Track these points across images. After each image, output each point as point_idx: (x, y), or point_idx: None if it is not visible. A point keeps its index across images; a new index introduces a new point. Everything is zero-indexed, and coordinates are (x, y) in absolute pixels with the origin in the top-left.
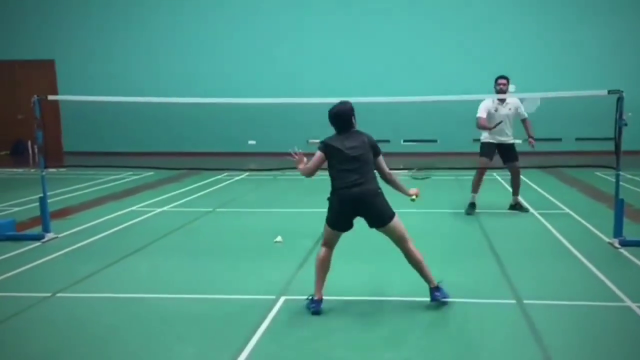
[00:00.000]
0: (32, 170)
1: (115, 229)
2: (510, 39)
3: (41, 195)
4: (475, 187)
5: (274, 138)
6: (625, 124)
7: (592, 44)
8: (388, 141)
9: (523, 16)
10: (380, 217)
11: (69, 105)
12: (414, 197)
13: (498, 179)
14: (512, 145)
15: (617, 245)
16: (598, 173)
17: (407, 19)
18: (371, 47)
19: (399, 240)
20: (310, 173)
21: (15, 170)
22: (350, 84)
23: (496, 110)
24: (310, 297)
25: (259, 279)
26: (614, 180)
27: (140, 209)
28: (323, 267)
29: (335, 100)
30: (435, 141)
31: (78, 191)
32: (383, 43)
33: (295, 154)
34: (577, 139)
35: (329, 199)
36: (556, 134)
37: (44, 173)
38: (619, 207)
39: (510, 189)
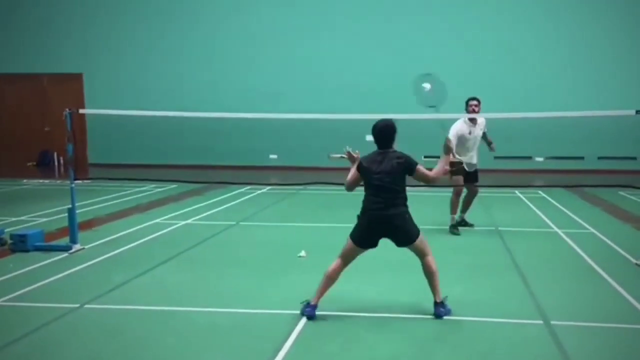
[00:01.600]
0: (59, 181)
1: (141, 240)
2: (523, 58)
3: (70, 206)
4: (455, 209)
5: (295, 152)
6: None
7: (612, 60)
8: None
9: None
10: (406, 238)
11: (95, 118)
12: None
13: (521, 197)
14: (476, 168)
15: None
16: (622, 192)
17: (433, 38)
18: (397, 61)
19: (421, 255)
20: (348, 186)
21: (41, 181)
22: (372, 99)
23: (470, 132)
24: (306, 301)
25: (284, 293)
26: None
27: (165, 221)
28: (331, 277)
29: (358, 116)
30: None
31: (104, 203)
32: (407, 57)
33: (349, 153)
34: (599, 158)
35: (358, 216)
36: (578, 152)
37: (73, 185)
38: None
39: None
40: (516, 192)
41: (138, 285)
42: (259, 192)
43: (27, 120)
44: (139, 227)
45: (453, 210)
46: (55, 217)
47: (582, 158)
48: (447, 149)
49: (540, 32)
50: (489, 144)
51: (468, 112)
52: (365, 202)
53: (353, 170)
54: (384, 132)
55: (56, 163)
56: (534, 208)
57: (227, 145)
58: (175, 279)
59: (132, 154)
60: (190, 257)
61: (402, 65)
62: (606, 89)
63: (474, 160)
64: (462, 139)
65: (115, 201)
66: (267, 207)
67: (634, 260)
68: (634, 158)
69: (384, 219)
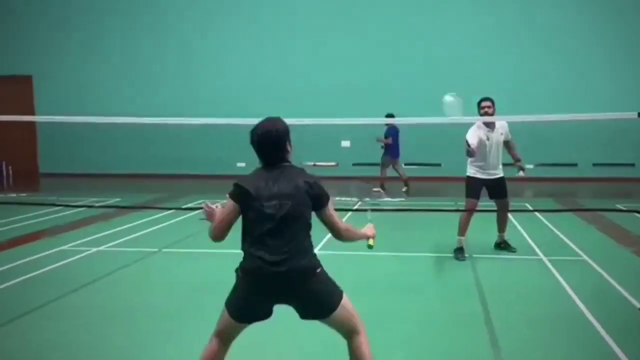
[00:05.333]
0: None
1: (23, 277)
2: (516, 60)
3: None
4: (463, 230)
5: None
6: None
7: (605, 62)
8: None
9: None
10: (318, 307)
11: (47, 124)
12: (370, 242)
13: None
14: (502, 179)
15: None
16: (620, 205)
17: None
18: (369, 65)
19: (348, 331)
20: (218, 234)
21: None
22: (345, 104)
23: (488, 138)
24: None
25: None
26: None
27: (73, 247)
28: None
29: (328, 121)
30: (439, 165)
31: (17, 223)
32: (381, 62)
33: (207, 205)
34: (594, 165)
35: (236, 270)
36: (571, 158)
37: None
38: None
39: (497, 225)
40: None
41: None
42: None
43: None
44: (36, 256)
45: (461, 232)
46: None
47: (575, 165)
48: (470, 154)
49: (532, 34)
50: (516, 160)
51: (480, 115)
52: (246, 250)
53: (226, 207)
54: (272, 136)
55: (4, 173)
56: (519, 226)
57: (189, 153)
58: (30, 338)
59: (86, 162)
60: (70, 303)
61: (380, 66)
62: (599, 91)
63: (497, 169)
64: (481, 146)
65: (31, 221)
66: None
67: (636, 304)
68: (632, 164)
69: (280, 276)
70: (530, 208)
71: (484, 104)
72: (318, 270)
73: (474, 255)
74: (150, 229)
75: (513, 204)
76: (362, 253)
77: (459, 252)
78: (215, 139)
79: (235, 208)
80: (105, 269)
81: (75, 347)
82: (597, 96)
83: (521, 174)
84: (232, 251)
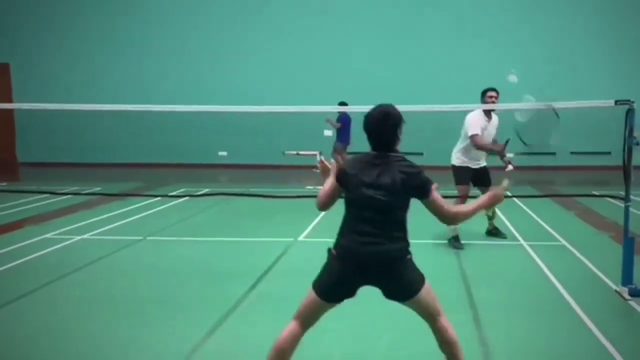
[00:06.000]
0: None
1: (7, 265)
2: (504, 46)
3: None
4: None
5: (247, 149)
6: (637, 143)
7: (591, 48)
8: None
9: (517, 22)
10: (404, 290)
11: (25, 113)
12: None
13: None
14: (486, 168)
15: (626, 296)
16: (597, 192)
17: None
18: (357, 53)
19: (429, 315)
20: (321, 203)
21: None
22: (332, 91)
23: (485, 128)
24: None
25: (153, 347)
26: (618, 204)
27: (57, 236)
28: (285, 354)
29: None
30: (421, 154)
31: (6, 210)
32: (364, 49)
33: (322, 161)
34: (572, 153)
35: (329, 250)
36: (549, 147)
37: None
38: (628, 248)
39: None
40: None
41: None
42: (196, 194)
43: None
44: (19, 244)
45: None
46: None
47: (553, 154)
48: (500, 154)
49: (508, 20)
50: (502, 156)
51: (486, 103)
52: (343, 230)
53: (331, 180)
54: (385, 123)
55: None
56: (499, 213)
57: (172, 142)
58: (15, 324)
59: (66, 151)
60: (54, 291)
61: (358, 58)
62: (579, 79)
63: (481, 159)
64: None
65: (14, 209)
66: (195, 214)
67: (614, 287)
68: (609, 153)
69: (371, 258)
70: (509, 194)
71: (490, 93)
72: (407, 257)
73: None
74: (134, 217)
75: (491, 189)
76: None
77: (456, 240)
78: (198, 128)
79: (337, 187)
80: (90, 256)
81: (59, 334)
82: (576, 85)
83: (510, 167)
84: (215, 239)
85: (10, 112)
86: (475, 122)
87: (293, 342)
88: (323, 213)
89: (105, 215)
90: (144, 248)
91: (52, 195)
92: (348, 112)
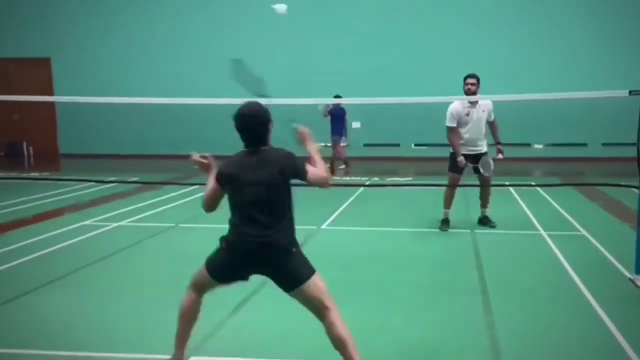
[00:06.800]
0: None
1: (50, 249)
2: (517, 36)
3: None
4: (447, 203)
5: (277, 140)
6: None
7: (617, 40)
8: (398, 145)
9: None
10: (287, 279)
11: (66, 105)
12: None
13: (511, 191)
14: (485, 155)
15: (639, 283)
16: (624, 183)
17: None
18: (379, 50)
19: (317, 307)
20: (208, 205)
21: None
22: (349, 82)
23: (468, 114)
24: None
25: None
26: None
27: (95, 222)
28: (192, 317)
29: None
30: (397, 145)
31: (41, 200)
32: (388, 46)
33: (203, 156)
34: (603, 144)
35: (221, 240)
36: (581, 138)
37: None
38: None
39: (480, 201)
40: (507, 183)
41: (1, 316)
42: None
43: None
44: (60, 230)
45: (446, 205)
46: None
47: (585, 145)
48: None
49: (540, 11)
50: (497, 142)
51: (464, 91)
52: (233, 226)
53: (211, 181)
54: (255, 120)
55: (26, 154)
56: (522, 204)
57: (205, 134)
58: (52, 305)
59: (106, 143)
60: (90, 274)
61: (394, 50)
62: (611, 70)
63: (479, 145)
64: (461, 122)
65: (54, 198)
66: (225, 203)
67: (627, 274)
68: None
69: (260, 251)
70: (537, 187)
71: (468, 80)
72: (294, 249)
73: (475, 231)
74: (168, 206)
75: (519, 181)
76: (369, 228)
77: (444, 223)
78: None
79: (219, 189)
80: (125, 242)
81: (92, 318)
82: (611, 75)
83: (500, 156)
84: None
85: (51, 105)
86: (450, 113)
87: (195, 306)
88: (347, 203)
89: (141, 204)
90: (176, 235)
91: (90, 185)
92: (343, 105)
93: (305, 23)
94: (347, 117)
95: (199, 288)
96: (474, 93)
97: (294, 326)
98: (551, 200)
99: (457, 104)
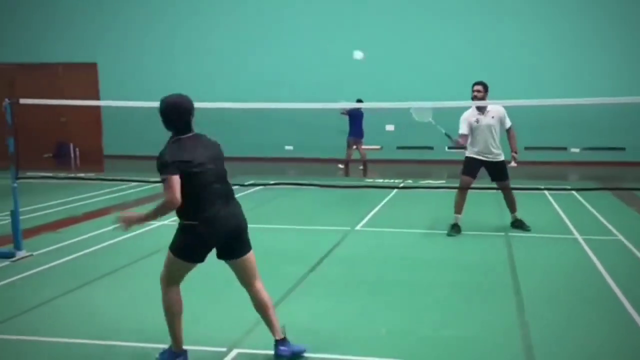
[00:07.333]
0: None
1: (98, 246)
2: (555, 41)
3: (12, 209)
4: (458, 208)
5: (311, 144)
6: None
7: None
8: (431, 148)
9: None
10: (246, 246)
11: (111, 108)
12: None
13: (546, 195)
14: (501, 163)
15: None
16: None
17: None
18: (413, 55)
19: (252, 277)
20: (177, 200)
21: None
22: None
23: (477, 121)
24: (168, 349)
25: (219, 322)
26: None
27: None
28: (181, 309)
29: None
30: (431, 148)
31: (88, 200)
32: (397, 46)
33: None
34: None
35: (184, 227)
36: (619, 142)
37: (15, 184)
38: None
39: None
40: (542, 187)
41: (57, 308)
42: (258, 188)
43: (43, 111)
44: (106, 229)
45: (457, 209)
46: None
47: (623, 149)
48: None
49: (574, 14)
50: (512, 150)
51: (471, 98)
52: (201, 209)
53: (174, 179)
54: (183, 108)
55: (72, 155)
56: (557, 208)
57: (241, 137)
58: (103, 298)
59: (152, 145)
60: (137, 270)
61: (416, 52)
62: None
63: (493, 153)
64: (471, 129)
65: (101, 197)
66: (263, 203)
67: None
68: None
69: (233, 224)
70: (572, 191)
71: (475, 87)
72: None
73: (510, 234)
74: None
75: (555, 184)
76: (402, 230)
77: (453, 228)
78: (267, 123)
79: (180, 178)
80: (163, 241)
81: (130, 313)
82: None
83: (513, 164)
84: (279, 226)
85: (97, 108)
86: (463, 119)
87: (180, 298)
88: (380, 205)
89: None
90: None
91: (135, 185)
92: (362, 108)
93: (344, 29)
94: (363, 119)
95: (177, 280)
96: (480, 99)
97: (330, 321)
98: (587, 205)
99: (468, 112)
